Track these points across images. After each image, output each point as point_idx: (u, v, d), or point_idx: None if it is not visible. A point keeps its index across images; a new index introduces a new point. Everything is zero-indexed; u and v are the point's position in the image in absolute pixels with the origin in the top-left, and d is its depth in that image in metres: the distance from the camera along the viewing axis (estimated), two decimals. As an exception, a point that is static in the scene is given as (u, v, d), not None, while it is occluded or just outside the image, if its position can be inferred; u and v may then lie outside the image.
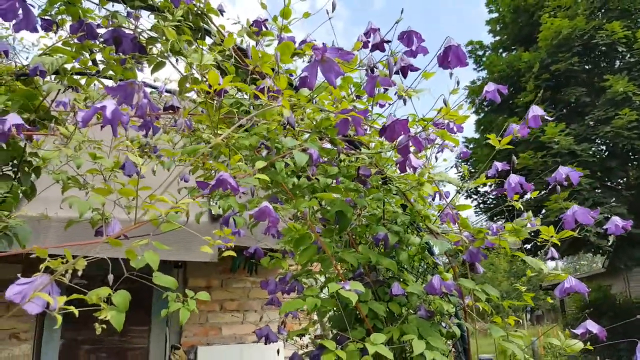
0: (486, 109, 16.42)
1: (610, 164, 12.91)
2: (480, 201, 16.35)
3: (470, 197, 16.40)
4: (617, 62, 14.49)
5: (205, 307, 5.06)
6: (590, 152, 12.90)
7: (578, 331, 1.51)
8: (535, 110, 1.57)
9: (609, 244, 13.09)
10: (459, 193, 1.98)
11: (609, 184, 13.35)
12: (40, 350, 4.41)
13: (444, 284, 1.65)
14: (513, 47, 16.88)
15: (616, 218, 1.72)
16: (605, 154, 13.69)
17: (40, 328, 4.44)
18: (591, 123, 13.35)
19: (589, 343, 1.59)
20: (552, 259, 1.78)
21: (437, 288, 1.62)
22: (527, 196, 13.04)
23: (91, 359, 4.65)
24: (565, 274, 1.61)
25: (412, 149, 1.48)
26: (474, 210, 16.63)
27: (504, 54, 17.05)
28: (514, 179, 1.62)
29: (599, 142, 13.58)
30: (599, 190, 12.79)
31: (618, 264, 14.08)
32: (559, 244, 1.63)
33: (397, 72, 1.43)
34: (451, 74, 1.44)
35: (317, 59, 1.16)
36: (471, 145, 16.04)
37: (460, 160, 15.59)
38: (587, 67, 14.25)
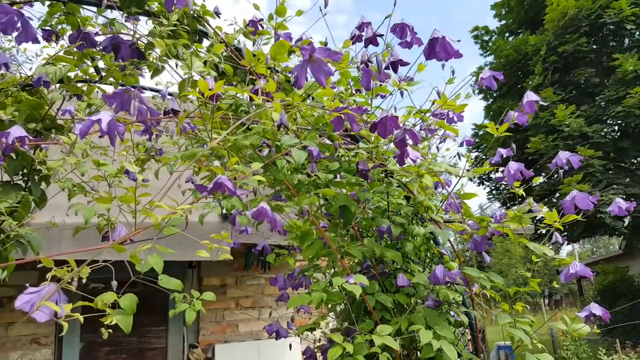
0: (495, 95, 16.28)
1: (623, 145, 12.76)
2: (493, 187, 16.27)
3: (483, 184, 16.32)
4: (626, 41, 14.28)
5: (221, 305, 5.11)
6: (602, 133, 12.76)
7: (582, 314, 1.51)
8: (530, 96, 1.57)
9: (625, 225, 12.93)
10: (471, 180, 1.98)
11: (622, 164, 13.19)
12: (61, 354, 4.50)
13: (448, 274, 1.66)
14: (519, 31, 16.70)
15: (619, 200, 1.72)
16: (618, 134, 13.52)
17: (60, 332, 4.53)
18: (602, 104, 13.19)
19: (596, 327, 1.59)
20: (557, 243, 1.78)
21: (441, 278, 1.64)
22: (541, 180, 12.95)
23: (111, 360, 4.74)
24: (570, 259, 1.62)
25: (409, 142, 1.49)
26: (487, 197, 16.56)
27: (510, 38, 16.88)
28: (513, 166, 1.62)
29: (611, 122, 13.43)
30: (613, 172, 12.65)
31: (636, 245, 13.95)
32: (562, 228, 1.64)
33: (387, 67, 1.44)
34: (443, 66, 1.45)
35: (306, 59, 1.18)
36: (481, 132, 15.92)
37: (469, 148, 15.47)
38: (595, 47, 14.05)
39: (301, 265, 2.36)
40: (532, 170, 1.75)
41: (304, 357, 2.38)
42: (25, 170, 2.05)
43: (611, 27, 13.46)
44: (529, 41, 14.61)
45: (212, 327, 5.06)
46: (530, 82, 13.95)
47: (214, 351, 4.85)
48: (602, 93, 13.15)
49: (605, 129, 13.13)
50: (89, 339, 4.64)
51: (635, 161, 13.62)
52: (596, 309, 1.48)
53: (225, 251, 1.11)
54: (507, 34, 17.16)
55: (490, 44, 17.02)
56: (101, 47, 1.79)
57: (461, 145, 2.27)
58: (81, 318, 0.87)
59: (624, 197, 11.59)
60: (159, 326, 4.96)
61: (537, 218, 1.80)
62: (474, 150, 15.63)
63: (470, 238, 1.81)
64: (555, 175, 1.77)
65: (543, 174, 11.80)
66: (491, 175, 15.62)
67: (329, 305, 2.16)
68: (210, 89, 1.13)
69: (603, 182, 11.94)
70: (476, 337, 1.88)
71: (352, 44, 1.65)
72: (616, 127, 13.72)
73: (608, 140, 12.78)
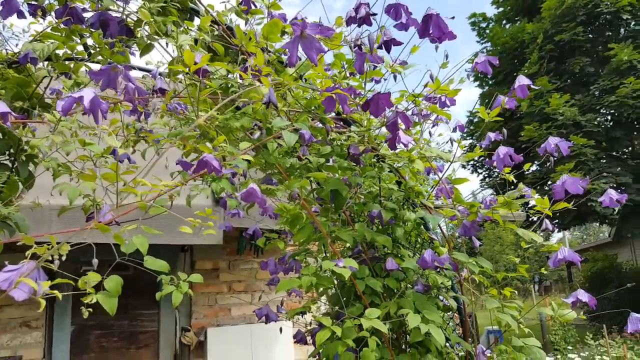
0: (490, 82, 16.25)
1: (615, 134, 12.81)
2: (486, 174, 16.32)
3: (476, 171, 16.37)
4: (622, 31, 14.25)
5: (214, 289, 5.11)
6: (595, 123, 12.79)
7: (569, 300, 1.52)
8: (522, 80, 1.55)
9: (615, 213, 13.02)
10: (464, 167, 1.97)
11: (614, 153, 13.25)
12: (52, 337, 4.48)
13: (437, 258, 1.66)
14: (517, 18, 16.63)
15: (611, 191, 1.71)
16: (610, 124, 13.57)
17: (50, 315, 4.51)
18: (596, 93, 13.21)
19: (582, 313, 1.60)
20: (547, 230, 1.78)
21: (429, 262, 1.64)
22: (533, 168, 12.95)
23: (102, 343, 4.74)
24: (559, 245, 1.62)
25: (402, 126, 1.47)
26: (480, 185, 16.61)
27: (507, 26, 16.81)
28: (502, 150, 1.61)
29: (604, 112, 13.45)
30: (604, 161, 12.72)
31: (625, 233, 14.13)
32: (550, 214, 1.63)
33: (380, 47, 1.41)
34: (437, 47, 1.42)
35: (297, 35, 1.15)
36: (475, 119, 15.92)
37: (463, 135, 15.48)
38: (591, 36, 14.02)
39: (293, 250, 2.35)
40: (525, 157, 1.74)
41: (295, 340, 2.39)
42: (12, 150, 2.02)
43: (607, 16, 13.42)
44: (526, 29, 14.55)
45: (204, 310, 5.06)
46: (525, 70, 13.92)
47: (206, 334, 4.86)
48: (597, 82, 13.16)
49: (598, 118, 13.15)
50: (80, 322, 4.63)
51: (626, 150, 13.70)
52: (582, 295, 1.48)
53: (209, 227, 1.09)
54: (504, 22, 17.08)
55: (487, 31, 16.95)
56: (89, 24, 1.75)
57: (454, 130, 2.25)
58: (60, 295, 0.85)
59: (615, 185, 11.70)
60: (150, 309, 4.96)
61: (529, 205, 1.79)
62: (468, 138, 15.64)
63: (460, 223, 1.80)
64: (547, 164, 1.76)
65: (536, 162, 11.86)
66: (484, 162, 15.66)
67: (320, 290, 2.16)
68: (195, 63, 1.10)
69: (595, 170, 11.99)
70: (464, 321, 1.89)
71: (347, 25, 1.62)
72: (609, 117, 13.75)
73: (601, 129, 12.82)
